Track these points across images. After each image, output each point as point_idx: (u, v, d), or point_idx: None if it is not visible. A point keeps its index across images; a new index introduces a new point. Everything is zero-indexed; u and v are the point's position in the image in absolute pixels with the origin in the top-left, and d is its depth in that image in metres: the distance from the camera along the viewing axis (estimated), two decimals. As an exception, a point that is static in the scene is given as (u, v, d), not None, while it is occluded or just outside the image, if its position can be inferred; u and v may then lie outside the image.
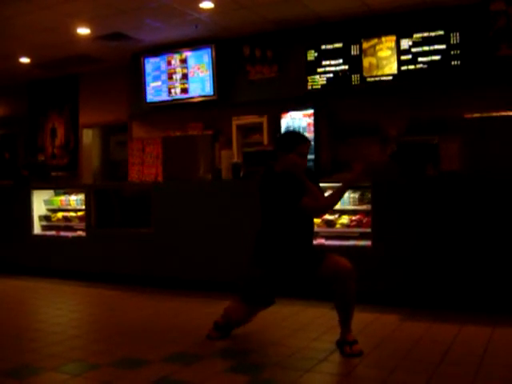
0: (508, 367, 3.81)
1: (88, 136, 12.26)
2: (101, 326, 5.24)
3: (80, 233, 7.69)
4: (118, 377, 3.75)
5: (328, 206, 4.46)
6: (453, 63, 7.99)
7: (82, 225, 7.68)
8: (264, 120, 9.32)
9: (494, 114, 6.50)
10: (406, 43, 8.27)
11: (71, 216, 8.02)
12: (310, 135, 8.66)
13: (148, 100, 10.47)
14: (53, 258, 7.74)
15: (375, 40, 8.47)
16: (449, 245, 5.42)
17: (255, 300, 4.47)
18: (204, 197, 6.65)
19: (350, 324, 4.22)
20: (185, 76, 10.05)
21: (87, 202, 7.54)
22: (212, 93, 9.77)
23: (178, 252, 6.75)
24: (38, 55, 10.52)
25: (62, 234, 7.89)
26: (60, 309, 5.89)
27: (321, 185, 4.63)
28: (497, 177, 5.33)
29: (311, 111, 8.82)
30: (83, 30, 9.12)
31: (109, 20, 8.69)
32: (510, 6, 7.67)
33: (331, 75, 8.77)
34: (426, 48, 8.15)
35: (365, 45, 8.55)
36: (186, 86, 10.04)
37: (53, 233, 8.04)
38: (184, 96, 10.08)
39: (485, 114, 6.62)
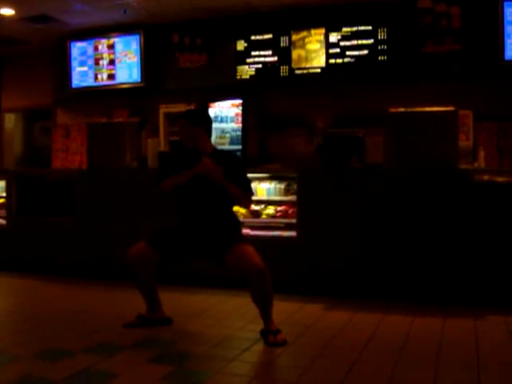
0: (427, 355, 3.92)
1: (10, 121, 11.84)
2: (21, 317, 5.10)
3: (0, 221, 7.45)
4: (39, 369, 3.65)
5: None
6: (380, 58, 8.15)
7: (3, 212, 7.43)
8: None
9: (418, 109, 6.67)
10: (334, 37, 8.38)
11: (-9, 203, 7.77)
12: (237, 125, 8.71)
13: (73, 85, 10.22)
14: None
15: (304, 32, 8.54)
16: (372, 235, 5.55)
17: (158, 244, 4.47)
18: (129, 185, 6.55)
19: (270, 315, 4.25)
20: (112, 62, 9.87)
21: (8, 188, 7.31)
22: (140, 80, 9.64)
23: (101, 241, 6.63)
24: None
25: (-19, 221, 7.63)
26: (-22, 299, 5.73)
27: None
28: (418, 169, 5.48)
29: (239, 101, 8.82)
30: (7, 11, 8.81)
31: (35, 1, 8.40)
32: (437, 4, 7.88)
33: (260, 66, 8.80)
34: (354, 42, 8.28)
35: (294, 37, 8.60)
36: (113, 72, 9.87)
37: (-29, 220, 7.77)
38: (111, 82, 9.90)
39: (409, 109, 6.78)
